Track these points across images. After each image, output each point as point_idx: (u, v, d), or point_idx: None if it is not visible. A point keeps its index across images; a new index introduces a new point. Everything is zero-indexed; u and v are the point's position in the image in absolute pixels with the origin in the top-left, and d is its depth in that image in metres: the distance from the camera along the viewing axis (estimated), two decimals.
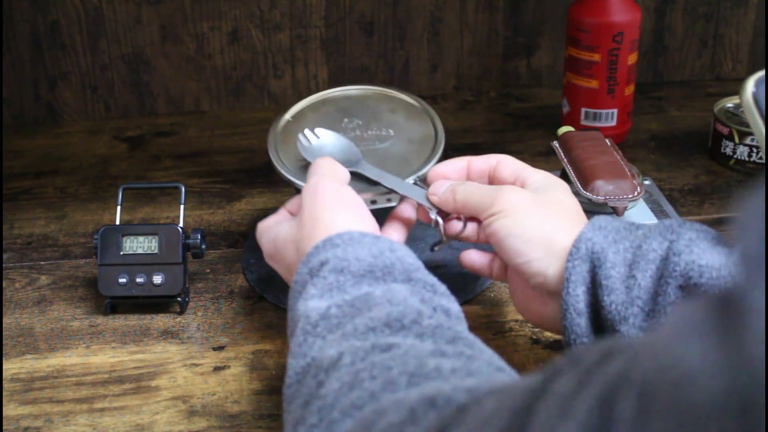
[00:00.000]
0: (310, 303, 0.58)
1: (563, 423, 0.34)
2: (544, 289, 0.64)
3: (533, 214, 0.65)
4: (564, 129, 0.96)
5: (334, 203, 0.65)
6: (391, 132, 0.81)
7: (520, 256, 0.64)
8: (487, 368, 0.49)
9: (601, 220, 0.64)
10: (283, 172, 0.78)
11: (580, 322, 0.61)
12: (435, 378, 0.47)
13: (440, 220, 0.72)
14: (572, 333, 0.61)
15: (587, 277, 0.61)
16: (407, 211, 0.73)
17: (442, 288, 0.59)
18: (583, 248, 0.61)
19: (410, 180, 0.76)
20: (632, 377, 0.31)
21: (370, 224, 0.65)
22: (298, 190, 0.76)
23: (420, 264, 0.61)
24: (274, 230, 0.69)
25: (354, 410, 0.47)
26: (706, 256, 0.59)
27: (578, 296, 0.60)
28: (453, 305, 0.58)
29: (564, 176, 0.89)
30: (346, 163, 0.73)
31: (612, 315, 0.60)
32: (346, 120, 0.83)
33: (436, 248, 0.74)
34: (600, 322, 0.61)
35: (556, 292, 0.63)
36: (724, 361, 0.26)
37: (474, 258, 0.72)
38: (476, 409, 0.41)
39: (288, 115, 0.84)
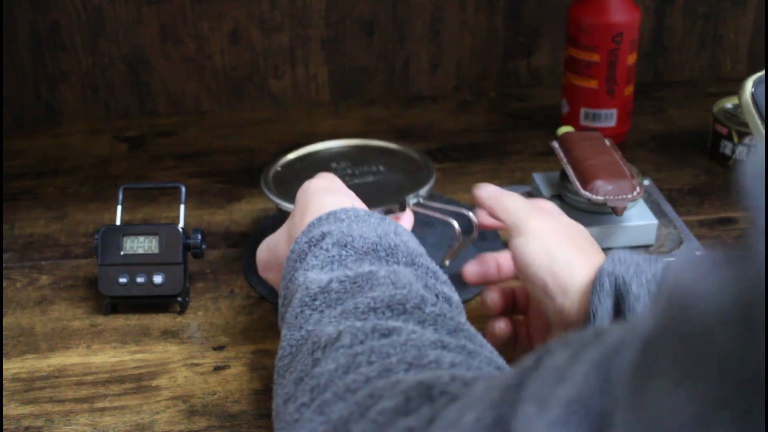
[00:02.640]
0: (310, 274, 0.56)
1: (558, 388, 0.33)
2: (562, 320, 0.63)
3: (559, 241, 0.64)
4: (564, 129, 0.96)
5: (326, 190, 0.65)
6: (381, 168, 0.87)
7: (545, 288, 0.63)
8: (486, 366, 0.49)
9: (620, 253, 0.62)
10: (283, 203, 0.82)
11: None
12: (434, 370, 0.46)
13: (456, 224, 0.73)
14: None
15: (612, 312, 0.60)
16: (406, 219, 0.75)
17: (444, 276, 0.59)
18: (606, 283, 0.60)
19: (411, 198, 0.80)
20: (633, 337, 0.30)
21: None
22: None
23: (423, 250, 0.61)
24: (269, 238, 0.69)
25: (348, 393, 0.46)
26: None
27: None
28: (454, 294, 0.58)
29: (564, 176, 0.90)
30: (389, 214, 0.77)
31: None
32: (334, 164, 0.87)
33: (447, 262, 0.75)
34: None
35: (575, 323, 0.62)
36: (730, 276, 0.27)
37: (474, 270, 0.72)
38: (466, 392, 0.40)
39: (277, 166, 0.88)
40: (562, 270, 0.62)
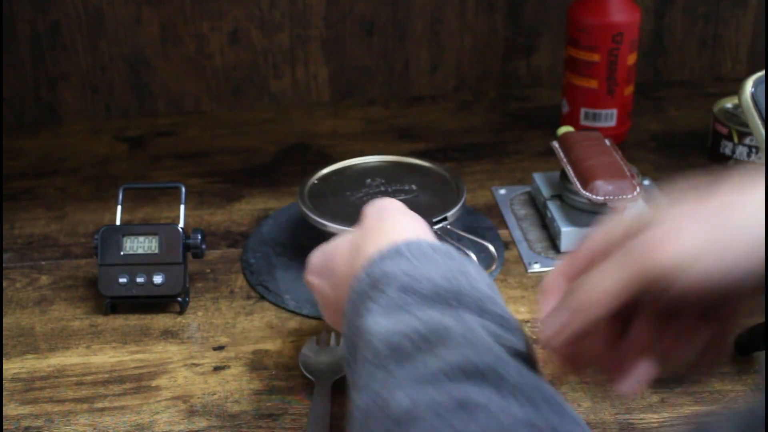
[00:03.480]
0: (374, 322, 0.51)
1: None
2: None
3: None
4: (564, 129, 0.96)
5: (400, 212, 0.62)
6: (414, 186, 0.88)
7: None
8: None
9: None
10: (323, 221, 0.83)
11: None
12: None
13: (473, 257, 0.76)
14: None
15: None
16: None
17: (515, 323, 0.52)
18: None
19: (437, 223, 0.82)
20: None
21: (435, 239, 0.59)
22: None
23: (493, 291, 0.54)
24: (328, 244, 0.65)
25: None
26: None
27: None
28: (522, 343, 0.51)
29: (564, 176, 0.90)
30: None
31: None
32: (369, 180, 0.89)
33: None
34: None
35: None
36: None
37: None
38: None
39: (314, 179, 0.89)
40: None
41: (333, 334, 0.76)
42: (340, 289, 0.59)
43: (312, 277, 0.65)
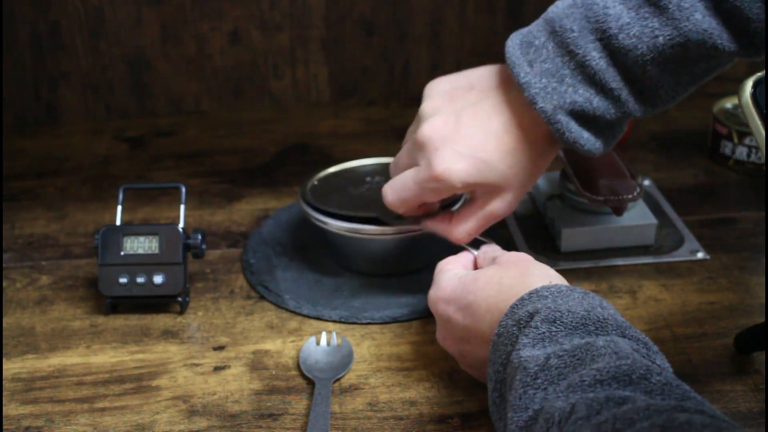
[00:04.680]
0: (524, 352, 0.55)
1: None
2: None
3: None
4: None
5: (534, 261, 0.67)
6: None
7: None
8: (732, 428, 0.45)
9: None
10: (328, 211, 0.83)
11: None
12: None
13: (474, 252, 0.75)
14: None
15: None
16: None
17: (655, 347, 0.57)
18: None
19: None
20: None
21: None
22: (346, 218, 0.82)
23: (630, 323, 0.59)
24: (465, 276, 0.68)
25: None
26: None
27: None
28: (665, 363, 0.56)
29: (564, 176, 0.90)
30: None
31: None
32: (368, 178, 0.88)
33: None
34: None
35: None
36: None
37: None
38: None
39: (314, 180, 0.88)
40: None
41: (333, 334, 0.77)
42: (479, 323, 0.64)
43: (444, 305, 0.68)
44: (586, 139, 0.67)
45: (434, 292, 0.70)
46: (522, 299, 0.60)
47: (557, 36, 0.65)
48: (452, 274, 0.69)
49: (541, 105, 0.66)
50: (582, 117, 0.66)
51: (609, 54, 0.64)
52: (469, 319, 0.65)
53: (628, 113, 0.67)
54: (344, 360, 0.74)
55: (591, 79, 0.65)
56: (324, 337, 0.76)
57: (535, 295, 0.60)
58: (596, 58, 0.64)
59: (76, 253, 0.91)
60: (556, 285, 0.61)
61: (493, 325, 0.62)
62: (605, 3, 0.64)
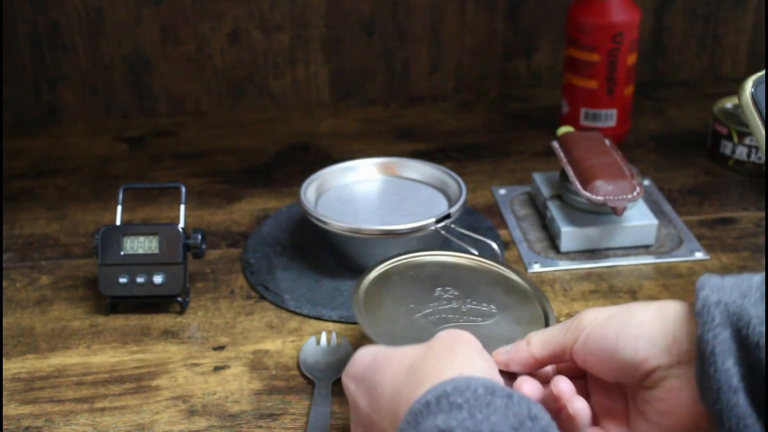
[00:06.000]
0: None
1: None
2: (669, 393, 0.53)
3: (619, 313, 0.56)
4: (564, 129, 0.96)
5: (473, 348, 0.55)
6: (493, 308, 0.72)
7: (637, 353, 0.53)
8: None
9: (711, 279, 0.52)
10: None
11: (738, 400, 0.49)
12: None
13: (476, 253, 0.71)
14: (732, 416, 0.49)
15: (732, 345, 0.50)
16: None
17: None
18: (717, 313, 0.50)
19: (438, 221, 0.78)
20: None
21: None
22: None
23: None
24: (382, 351, 0.57)
25: None
26: None
27: (729, 370, 0.49)
28: None
29: (564, 176, 0.90)
30: None
31: None
32: (439, 289, 0.74)
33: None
34: (758, 394, 0.50)
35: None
36: None
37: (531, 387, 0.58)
38: None
39: (373, 274, 0.75)
40: (643, 333, 0.54)
41: (333, 334, 0.76)
42: (380, 413, 0.54)
43: (350, 382, 0.58)
44: None
45: (347, 368, 0.58)
46: (427, 403, 0.48)
47: None
48: (371, 349, 0.58)
49: None
50: None
51: None
52: (373, 406, 0.55)
53: None
54: (344, 360, 0.74)
55: None
56: (324, 337, 0.76)
57: (444, 400, 0.47)
58: None
59: (76, 253, 0.91)
60: (468, 383, 0.48)
61: (395, 424, 0.51)
62: None
